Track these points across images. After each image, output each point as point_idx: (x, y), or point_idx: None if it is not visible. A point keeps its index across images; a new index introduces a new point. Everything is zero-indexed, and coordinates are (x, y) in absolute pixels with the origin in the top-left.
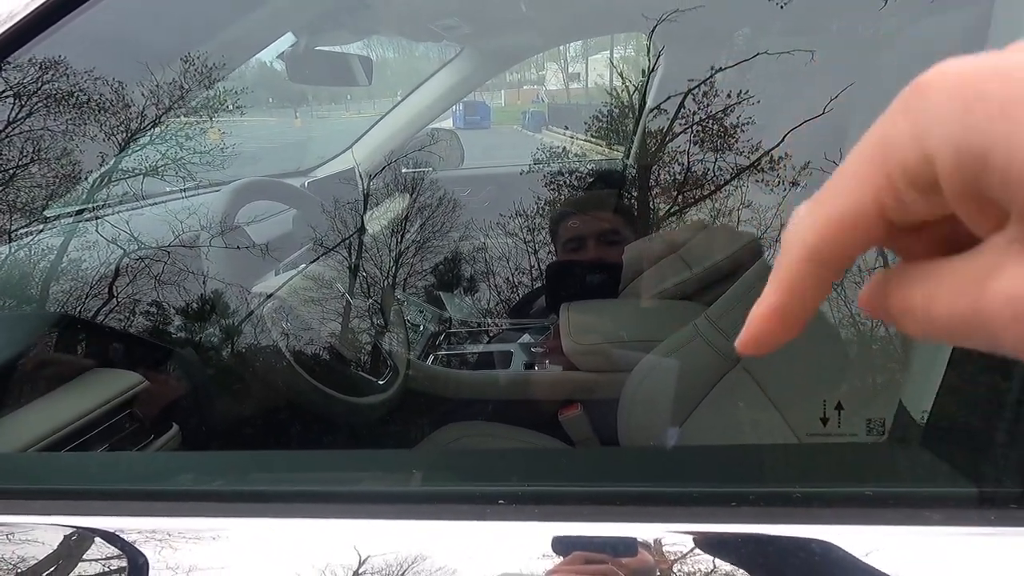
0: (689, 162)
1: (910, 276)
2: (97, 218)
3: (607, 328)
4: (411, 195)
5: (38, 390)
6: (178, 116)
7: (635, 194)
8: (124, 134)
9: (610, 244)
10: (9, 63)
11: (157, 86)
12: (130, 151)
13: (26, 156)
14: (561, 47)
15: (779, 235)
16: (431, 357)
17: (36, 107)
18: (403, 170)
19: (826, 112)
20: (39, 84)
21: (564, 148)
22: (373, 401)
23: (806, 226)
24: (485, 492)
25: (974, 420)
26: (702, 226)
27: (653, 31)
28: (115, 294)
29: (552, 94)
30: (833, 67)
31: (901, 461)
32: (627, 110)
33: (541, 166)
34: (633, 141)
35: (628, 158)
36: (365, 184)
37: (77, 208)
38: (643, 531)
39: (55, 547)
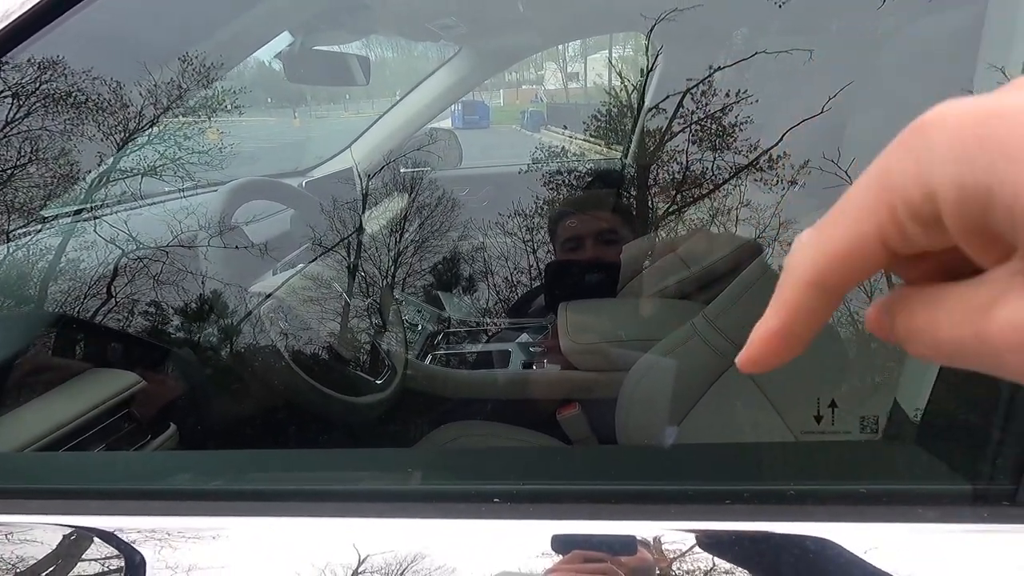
0: (688, 161)
1: (914, 301)
2: (95, 218)
3: (605, 327)
4: (410, 195)
5: (36, 390)
6: (176, 116)
7: (633, 193)
8: (122, 134)
9: (608, 243)
10: (6, 63)
11: (155, 85)
12: (128, 151)
13: (23, 156)
14: (560, 47)
15: (778, 234)
16: (429, 356)
17: (33, 106)
18: (402, 170)
19: (824, 111)
20: (36, 84)
21: (563, 148)
22: (371, 400)
23: (809, 253)
24: (481, 491)
25: (968, 418)
26: (701, 225)
27: (652, 30)
28: (113, 294)
29: (551, 94)
30: (831, 66)
31: (895, 459)
32: (626, 109)
33: (540, 166)
34: (631, 140)
35: (626, 157)
36: (364, 184)
37: (75, 208)
38: (638, 529)
39: (54, 547)
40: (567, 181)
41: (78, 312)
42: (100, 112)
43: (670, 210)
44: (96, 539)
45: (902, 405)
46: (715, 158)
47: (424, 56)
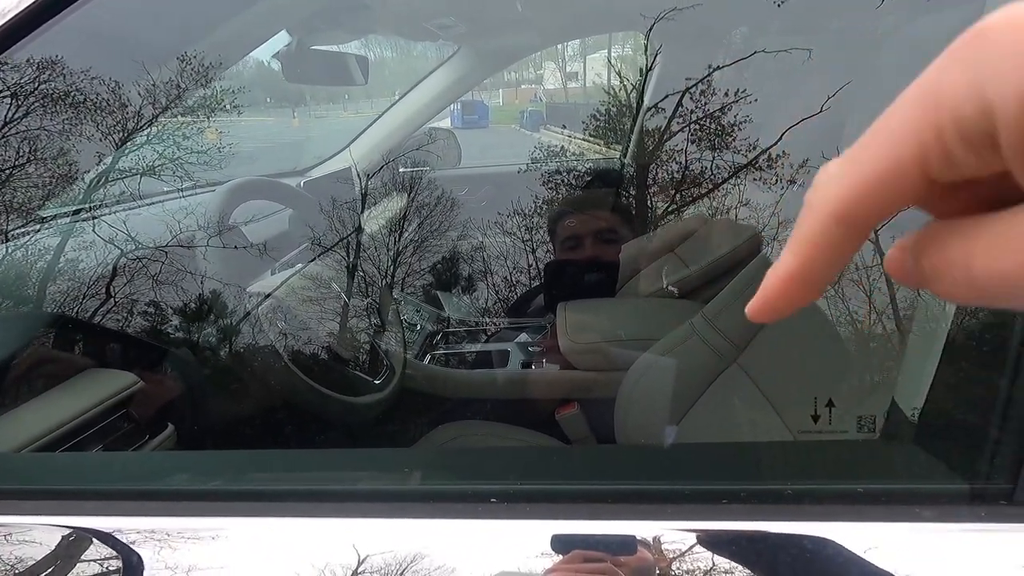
0: (687, 161)
1: (947, 233)
2: (94, 218)
3: (604, 327)
4: (408, 194)
5: (34, 389)
6: (175, 116)
7: (633, 193)
8: (120, 134)
9: (607, 243)
10: (3, 62)
11: (154, 85)
12: (126, 151)
13: (22, 156)
14: (559, 46)
15: (777, 233)
16: (428, 356)
17: (31, 106)
18: (400, 169)
19: (823, 110)
20: (34, 83)
21: (562, 147)
22: (369, 400)
23: (835, 184)
24: (479, 491)
25: (965, 417)
26: (699, 224)
27: (651, 30)
28: (111, 294)
29: (550, 93)
30: (830, 65)
31: (893, 458)
32: (625, 109)
33: (539, 165)
34: (630, 140)
35: (626, 157)
36: (362, 183)
37: (73, 208)
38: (635, 528)
39: (52, 548)
40: (566, 180)
41: (76, 312)
42: (98, 112)
43: (669, 209)
44: (95, 540)
45: (900, 404)
46: (714, 157)
47: (423, 56)
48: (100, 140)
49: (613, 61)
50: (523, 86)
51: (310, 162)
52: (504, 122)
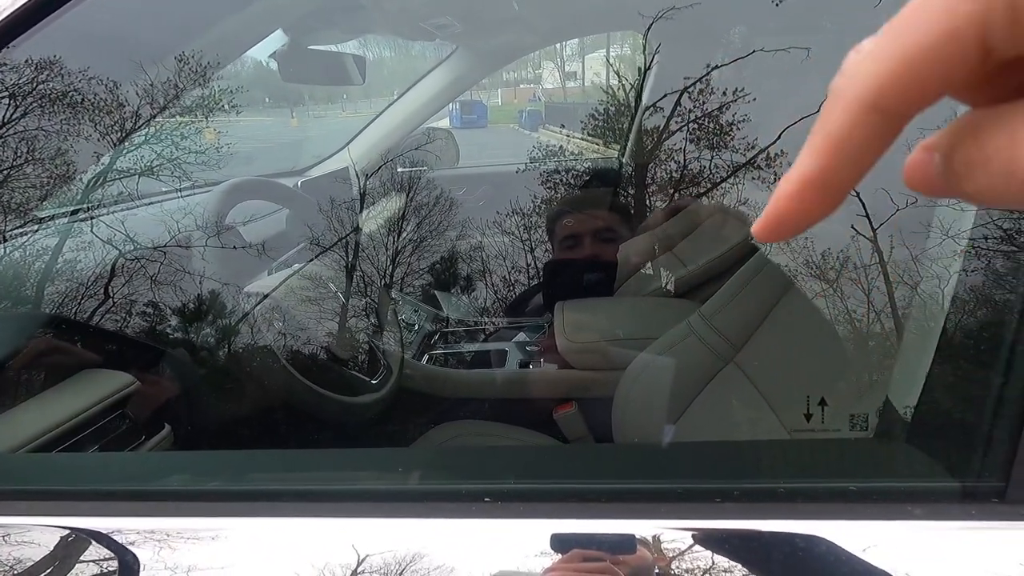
0: (685, 160)
1: (988, 123)
2: (92, 218)
3: (602, 326)
4: (407, 194)
5: (32, 389)
6: (173, 115)
7: (631, 192)
8: (118, 134)
9: (606, 242)
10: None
11: (151, 85)
12: (124, 151)
13: (19, 156)
14: (557, 46)
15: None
16: (426, 356)
17: (28, 106)
18: (399, 169)
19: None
20: (31, 83)
21: (560, 147)
22: (366, 400)
23: (873, 63)
24: (476, 490)
25: (958, 416)
26: (698, 223)
27: (649, 29)
28: (108, 294)
29: (549, 93)
30: (829, 64)
31: (886, 456)
32: (623, 108)
33: (537, 164)
34: (629, 139)
35: (624, 156)
36: (361, 183)
37: (70, 208)
38: (627, 527)
39: (51, 548)
40: (565, 180)
41: (73, 313)
42: (95, 111)
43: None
44: (94, 540)
45: (893, 403)
46: (712, 156)
47: (422, 55)
48: (98, 140)
49: (612, 61)
50: (521, 86)
51: (308, 162)
52: (503, 122)
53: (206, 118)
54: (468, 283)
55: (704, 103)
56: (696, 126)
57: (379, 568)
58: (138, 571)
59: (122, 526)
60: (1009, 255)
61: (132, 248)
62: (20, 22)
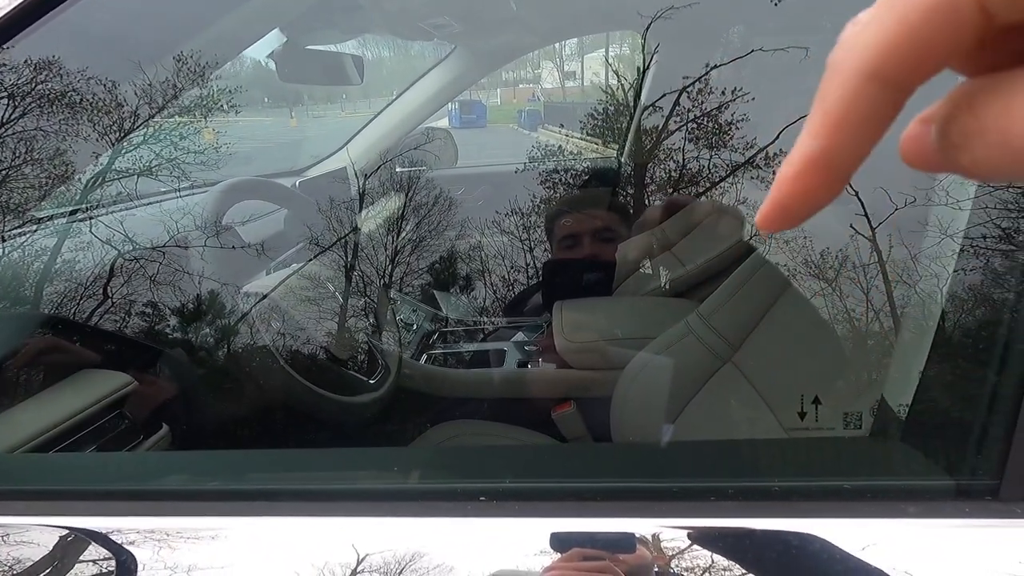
0: (684, 159)
1: (983, 91)
2: (90, 218)
3: (600, 326)
4: (406, 194)
5: (30, 389)
6: (172, 115)
7: (630, 192)
8: (116, 134)
9: (604, 242)
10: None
11: (150, 84)
12: (123, 151)
13: (17, 156)
14: (556, 46)
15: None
16: (425, 356)
17: (27, 106)
18: (397, 169)
19: None
20: (30, 83)
21: (560, 146)
22: (364, 400)
23: (870, 31)
24: (471, 489)
25: (952, 414)
26: (696, 222)
27: (648, 28)
28: (107, 294)
29: (548, 93)
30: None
31: (881, 455)
32: (622, 108)
33: (536, 164)
34: (628, 139)
35: (623, 156)
36: (359, 183)
37: (69, 209)
38: (622, 525)
39: (50, 548)
40: (564, 180)
41: (71, 313)
42: (94, 111)
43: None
44: (93, 540)
45: (889, 401)
46: (711, 156)
47: (421, 55)
48: (96, 140)
49: (611, 60)
50: (521, 85)
51: (307, 162)
52: (502, 121)
53: (205, 118)
54: (467, 283)
55: (703, 103)
56: (695, 126)
57: (379, 567)
58: (136, 571)
59: (121, 526)
60: (1005, 254)
61: (130, 248)
62: (17, 21)
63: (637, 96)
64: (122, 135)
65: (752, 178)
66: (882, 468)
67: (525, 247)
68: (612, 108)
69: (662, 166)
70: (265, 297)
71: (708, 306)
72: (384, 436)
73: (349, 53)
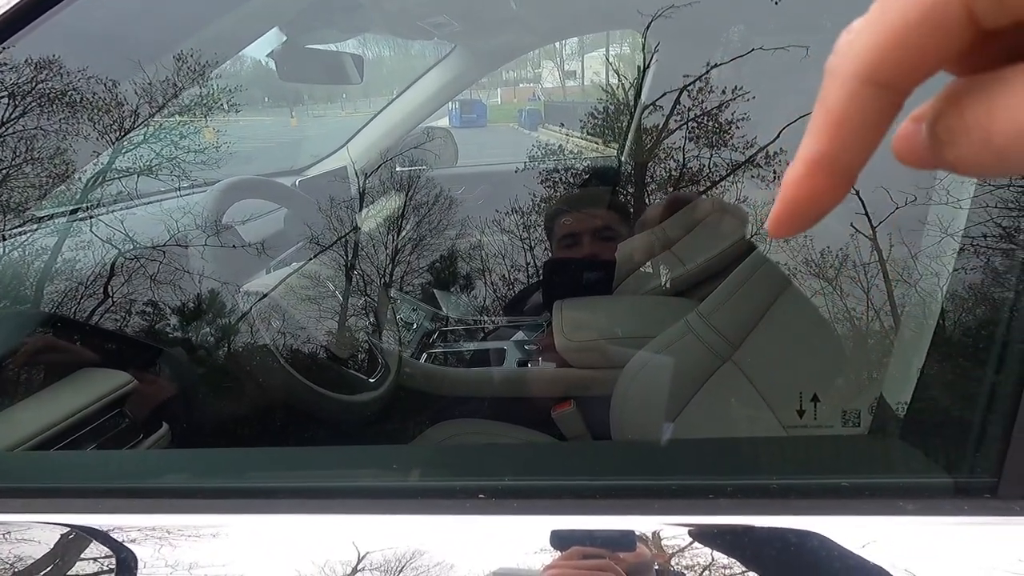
0: (684, 158)
1: (968, 91)
2: (90, 217)
3: (600, 325)
4: (406, 193)
5: (30, 387)
6: (172, 115)
7: (630, 191)
8: (116, 133)
9: (605, 241)
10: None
11: (150, 83)
12: (123, 150)
13: (17, 155)
14: (557, 45)
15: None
16: (425, 355)
17: (27, 106)
18: (398, 168)
19: None
20: (30, 82)
21: (560, 146)
22: (364, 399)
23: (864, 37)
24: (470, 487)
25: (950, 412)
26: (696, 221)
27: (648, 27)
28: (107, 293)
29: (548, 92)
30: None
31: (879, 453)
32: (623, 107)
33: (536, 163)
34: (628, 138)
35: (623, 155)
36: (360, 182)
37: (69, 208)
38: (621, 523)
39: (51, 546)
40: (564, 179)
41: (72, 312)
42: (93, 110)
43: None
44: (94, 538)
45: (887, 399)
46: (712, 155)
47: (421, 54)
48: (96, 139)
49: (611, 59)
50: (521, 85)
51: (307, 161)
52: (502, 121)
53: (205, 117)
54: (467, 282)
55: (703, 102)
56: (695, 125)
57: (379, 565)
58: (137, 568)
59: (122, 523)
60: (1005, 253)
61: (130, 247)
62: (15, 20)
63: (637, 95)
64: (122, 134)
65: (752, 177)
66: (881, 466)
67: (525, 246)
68: (612, 107)
69: (662, 165)
70: (265, 296)
71: (708, 305)
72: (384, 435)
73: (349, 52)
